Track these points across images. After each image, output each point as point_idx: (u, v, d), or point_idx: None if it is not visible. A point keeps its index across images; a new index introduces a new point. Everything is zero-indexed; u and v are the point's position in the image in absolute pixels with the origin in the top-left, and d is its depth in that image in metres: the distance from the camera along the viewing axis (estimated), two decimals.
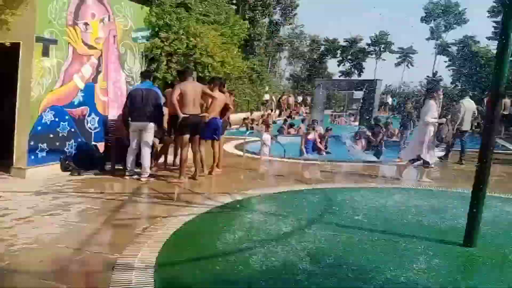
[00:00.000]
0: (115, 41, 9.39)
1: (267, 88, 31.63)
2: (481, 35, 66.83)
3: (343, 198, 6.33)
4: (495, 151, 4.13)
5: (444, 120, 8.59)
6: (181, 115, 6.92)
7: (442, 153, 10.37)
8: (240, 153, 10.68)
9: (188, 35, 10.94)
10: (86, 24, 8.37)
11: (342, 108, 33.55)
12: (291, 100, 32.23)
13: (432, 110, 7.64)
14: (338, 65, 52.15)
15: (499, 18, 40.28)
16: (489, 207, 5.79)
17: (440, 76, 48.42)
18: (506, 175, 8.87)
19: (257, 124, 16.54)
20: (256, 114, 22.35)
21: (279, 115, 27.04)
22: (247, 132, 12.65)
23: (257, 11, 30.29)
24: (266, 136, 11.45)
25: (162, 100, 7.54)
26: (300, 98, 34.97)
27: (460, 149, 10.11)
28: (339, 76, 49.60)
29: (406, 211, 5.65)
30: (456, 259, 4.04)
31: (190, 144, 7.29)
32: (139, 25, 10.40)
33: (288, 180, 7.95)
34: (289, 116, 24.69)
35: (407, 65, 55.16)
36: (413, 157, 7.95)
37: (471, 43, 44.19)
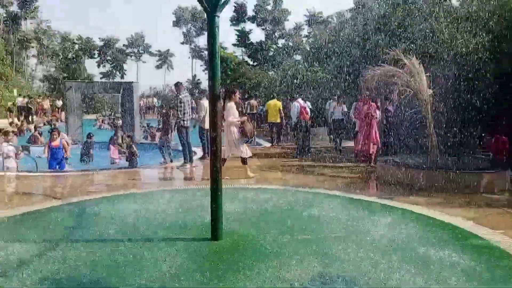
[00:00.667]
0: None
1: (15, 92, 27.14)
2: (228, 42, 74.98)
3: (93, 211, 5.70)
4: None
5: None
6: None
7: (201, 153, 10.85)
8: None
9: None
10: None
11: (111, 112, 31.90)
12: (46, 104, 28.55)
13: (234, 111, 8.03)
14: (98, 66, 49.59)
15: (239, 27, 46.25)
16: (237, 198, 6.36)
17: (199, 79, 52.06)
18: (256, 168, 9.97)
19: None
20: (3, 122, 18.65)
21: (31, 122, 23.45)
22: None
23: None
24: (8, 148, 9.56)
25: None
26: (60, 103, 31.38)
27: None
28: (101, 78, 47.17)
29: (158, 214, 5.49)
30: (203, 253, 4.10)
31: None
32: None
33: (35, 197, 6.75)
34: (49, 123, 21.65)
35: (167, 68, 57.05)
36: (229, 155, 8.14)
37: (220, 49, 49.16)
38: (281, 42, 46.36)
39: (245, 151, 8.24)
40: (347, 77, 15.84)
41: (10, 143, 10.10)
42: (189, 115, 9.93)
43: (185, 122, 9.73)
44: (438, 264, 3.84)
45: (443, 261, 3.90)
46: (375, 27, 16.21)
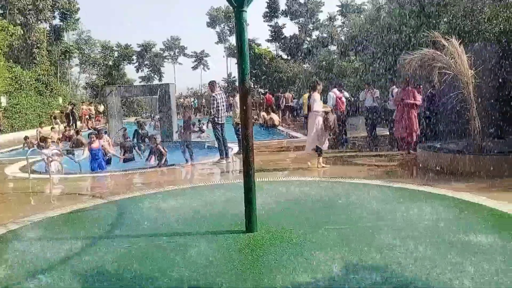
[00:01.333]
0: None
1: (60, 100, 28.54)
2: (262, 38, 74.99)
3: (133, 208, 5.88)
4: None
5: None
6: None
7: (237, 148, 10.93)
8: (26, 175, 9.12)
9: None
10: None
11: (150, 114, 32.90)
12: (90, 110, 29.76)
13: (319, 102, 8.19)
14: (137, 71, 51.08)
15: (273, 22, 46.08)
16: (273, 191, 6.34)
17: (234, 76, 52.40)
18: (290, 160, 9.92)
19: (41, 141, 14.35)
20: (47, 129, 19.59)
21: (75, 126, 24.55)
22: (28, 151, 10.88)
23: (30, 15, 26.80)
24: (52, 152, 10.06)
25: None
26: (102, 107, 32.68)
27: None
28: (140, 82, 48.57)
29: (195, 209, 5.57)
30: (237, 245, 4.09)
31: None
32: None
33: (79, 197, 7.05)
34: (93, 127, 22.63)
35: (203, 68, 57.88)
36: (313, 147, 8.26)
37: (254, 46, 49.19)
38: (315, 34, 45.81)
39: (326, 142, 8.34)
40: (384, 64, 15.41)
41: (54, 147, 10.61)
42: (224, 112, 10.01)
43: (220, 119, 9.83)
44: (489, 251, 3.64)
45: (493, 248, 3.70)
46: (411, 10, 15.64)
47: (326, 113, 8.20)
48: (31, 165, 9.78)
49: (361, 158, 9.12)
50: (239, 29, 4.20)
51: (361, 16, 27.29)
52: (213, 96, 9.91)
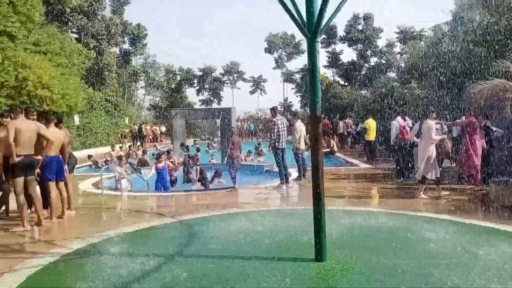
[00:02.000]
0: None
1: (127, 120, 30.27)
2: (319, 64, 74.78)
3: (203, 228, 6.11)
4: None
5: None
6: (16, 159, 6.17)
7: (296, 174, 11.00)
8: (98, 191, 9.77)
9: (15, 66, 9.66)
10: None
11: (208, 136, 34.01)
12: (155, 130, 31.34)
13: (433, 129, 8.17)
14: (197, 94, 52.97)
15: (330, 48, 46.21)
16: (337, 220, 6.33)
17: (290, 101, 52.81)
18: (353, 189, 9.81)
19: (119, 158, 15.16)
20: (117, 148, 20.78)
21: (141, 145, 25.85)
22: (102, 169, 11.65)
23: (102, 40, 28.96)
24: (122, 170, 10.67)
25: None
26: (164, 128, 34.27)
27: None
28: (200, 105, 50.28)
29: (260, 233, 5.67)
30: (308, 274, 4.11)
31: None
32: None
33: (148, 215, 7.43)
34: (156, 147, 23.77)
35: (260, 93, 58.86)
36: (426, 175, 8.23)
37: None
38: (373, 60, 45.33)
39: (434, 171, 8.23)
40: (449, 92, 14.92)
41: (123, 166, 11.22)
42: (285, 137, 10.16)
43: (280, 143, 10.00)
44: None
45: None
46: (477, 39, 15.11)
47: (442, 141, 8.14)
48: (103, 182, 10.43)
49: (428, 190, 8.81)
50: (312, 59, 4.33)
51: (422, 42, 26.69)
52: (274, 121, 10.14)
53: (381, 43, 45.27)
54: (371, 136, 15.24)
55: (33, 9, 10.87)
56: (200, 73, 51.42)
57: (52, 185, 6.86)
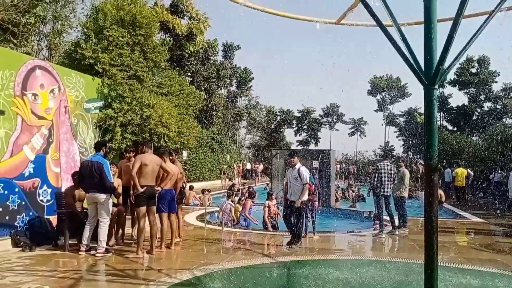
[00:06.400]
0: (66, 111, 9.17)
1: (228, 157, 31.76)
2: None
3: (303, 272, 6.09)
4: None
5: None
6: (140, 189, 6.83)
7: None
8: (202, 224, 10.31)
9: (141, 106, 10.92)
10: (35, 94, 8.15)
11: None
12: (259, 168, 32.37)
13: None
14: (295, 135, 53.87)
15: (439, 92, 43.96)
16: (446, 279, 5.83)
17: (392, 145, 50.90)
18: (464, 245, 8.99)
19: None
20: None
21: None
22: (208, 203, 12.25)
23: (212, 83, 31.22)
24: (227, 205, 11.13)
25: (111, 171, 7.26)
26: (261, 167, 35.25)
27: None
28: (297, 146, 50.92)
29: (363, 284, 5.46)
30: None
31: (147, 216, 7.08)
32: (91, 95, 10.30)
33: (249, 253, 7.62)
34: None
35: (360, 135, 57.76)
36: None
37: (416, 115, 47.35)
38: (486, 105, 41.94)
39: None
40: None
41: (229, 200, 11.61)
42: (389, 184, 9.71)
43: (382, 190, 9.59)
44: None
45: None
46: None
47: None
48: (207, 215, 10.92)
49: None
50: (429, 106, 4.17)
51: None
52: (377, 166, 9.87)
53: (497, 87, 41.88)
54: (461, 182, 18.26)
55: (159, 55, 12.33)
56: (299, 115, 52.37)
57: (164, 216, 7.43)
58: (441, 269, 6.40)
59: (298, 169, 8.02)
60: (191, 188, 15.27)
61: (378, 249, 8.61)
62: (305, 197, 8.06)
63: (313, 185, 9.23)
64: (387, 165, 9.90)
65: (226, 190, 14.15)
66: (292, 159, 8.24)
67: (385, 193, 9.62)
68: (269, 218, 10.55)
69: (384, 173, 9.65)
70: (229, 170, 26.87)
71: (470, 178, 22.15)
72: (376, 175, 9.67)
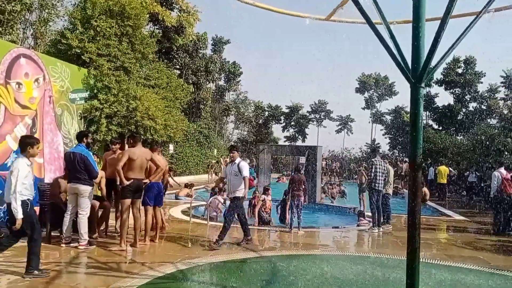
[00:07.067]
0: (51, 101, 9.03)
1: (215, 151, 31.65)
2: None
3: (287, 266, 6.12)
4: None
5: None
6: (126, 182, 6.72)
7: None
8: (187, 218, 10.25)
9: (128, 98, 10.80)
10: (19, 83, 7.99)
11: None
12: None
13: None
14: (283, 131, 53.90)
15: (425, 91, 44.40)
16: (430, 275, 5.92)
17: (378, 143, 51.27)
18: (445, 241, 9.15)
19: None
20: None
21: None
22: (194, 196, 12.20)
23: (201, 76, 31.02)
24: (216, 201, 11.08)
25: (94, 163, 7.16)
26: (248, 161, 35.20)
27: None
28: (284, 141, 51.00)
29: (347, 279, 5.52)
30: None
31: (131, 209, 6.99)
32: (77, 86, 10.15)
33: (232, 247, 7.61)
34: None
35: (347, 133, 58.08)
36: None
37: (403, 113, 47.79)
38: (472, 105, 42.53)
39: None
40: None
41: (220, 196, 11.54)
42: (382, 179, 9.84)
43: (376, 185, 9.74)
44: None
45: None
46: None
47: None
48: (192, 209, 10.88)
49: None
50: (415, 104, 4.21)
51: None
52: (372, 161, 9.99)
53: (482, 87, 42.47)
54: (443, 180, 19.07)
55: (148, 47, 12.20)
56: (287, 110, 52.41)
57: (149, 209, 7.37)
58: (423, 266, 6.53)
59: (238, 164, 7.64)
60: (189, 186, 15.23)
61: (361, 244, 8.70)
62: (246, 190, 7.61)
63: (254, 180, 9.12)
64: (380, 161, 10.06)
65: (211, 188, 14.13)
66: (232, 154, 7.81)
67: (379, 188, 9.76)
68: (264, 212, 10.57)
69: (379, 168, 9.79)
70: (217, 166, 26.80)
71: (453, 176, 22.64)
72: (373, 169, 9.78)
